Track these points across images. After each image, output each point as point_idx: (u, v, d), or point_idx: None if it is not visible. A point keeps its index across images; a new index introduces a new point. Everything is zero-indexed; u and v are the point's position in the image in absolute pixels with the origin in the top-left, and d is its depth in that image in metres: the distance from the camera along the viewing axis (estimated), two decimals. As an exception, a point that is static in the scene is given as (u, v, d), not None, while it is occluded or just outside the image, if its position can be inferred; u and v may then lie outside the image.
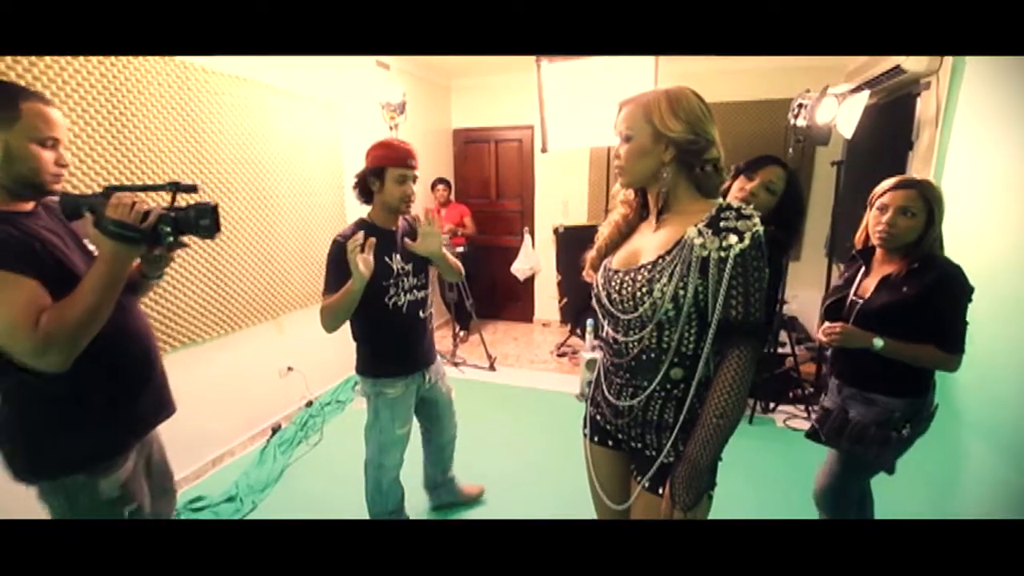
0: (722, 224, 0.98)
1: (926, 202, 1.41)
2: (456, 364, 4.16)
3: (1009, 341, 1.83)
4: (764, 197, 1.65)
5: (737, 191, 1.69)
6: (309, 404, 3.33)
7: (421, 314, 1.92)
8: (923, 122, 2.71)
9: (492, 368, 4.08)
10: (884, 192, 1.48)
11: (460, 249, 4.55)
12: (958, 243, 2.30)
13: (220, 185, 2.63)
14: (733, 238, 0.96)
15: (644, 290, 1.04)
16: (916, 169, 2.75)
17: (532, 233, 5.18)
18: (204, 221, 1.19)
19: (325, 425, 3.15)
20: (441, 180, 4.70)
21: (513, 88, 4.83)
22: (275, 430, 3.02)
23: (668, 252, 1.03)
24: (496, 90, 5.03)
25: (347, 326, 1.90)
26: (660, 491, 1.08)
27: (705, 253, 0.98)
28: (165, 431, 2.46)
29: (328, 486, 2.56)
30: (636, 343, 1.09)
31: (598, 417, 1.25)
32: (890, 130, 3.05)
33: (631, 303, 1.06)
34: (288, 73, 3.08)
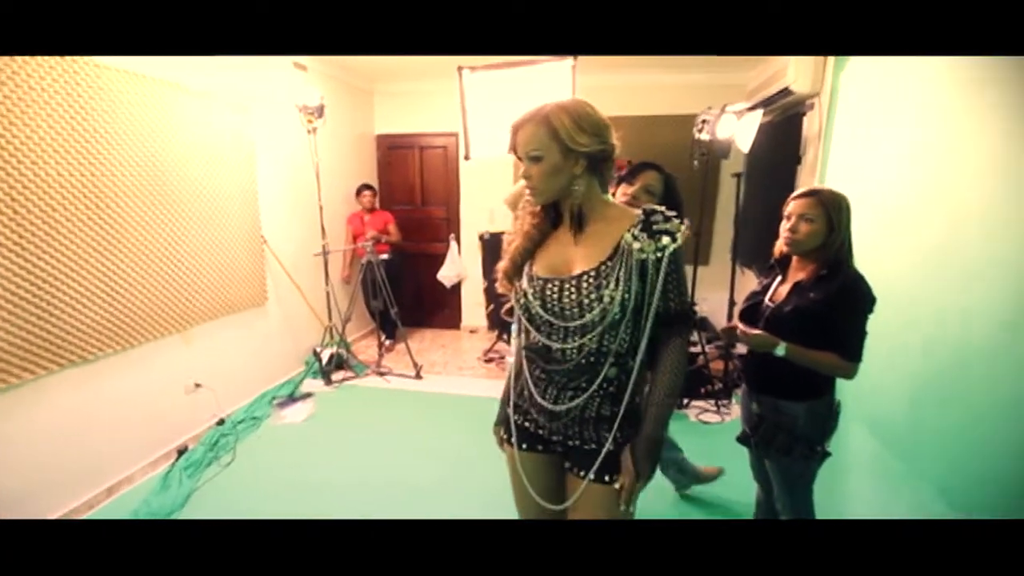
0: (655, 228, 1.08)
1: (824, 209, 1.51)
2: (382, 374, 4.07)
3: (881, 338, 2.07)
4: (645, 199, 1.78)
5: (621, 196, 1.80)
6: (220, 422, 3.13)
7: None
8: (809, 139, 3.00)
9: (418, 376, 4.03)
10: (789, 202, 1.59)
11: (384, 256, 4.46)
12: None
13: (113, 188, 2.43)
14: (666, 239, 1.06)
15: (592, 296, 1.07)
16: (803, 181, 3.04)
17: (458, 240, 5.18)
18: None
19: (239, 444, 2.97)
20: (367, 186, 4.60)
21: (437, 95, 4.82)
22: (181, 452, 2.81)
23: (610, 258, 1.09)
24: (420, 96, 5.00)
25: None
26: (606, 479, 1.15)
27: (644, 256, 1.07)
28: (47, 459, 2.24)
29: (241, 509, 2.41)
30: (576, 349, 1.11)
31: (527, 424, 1.26)
32: (782, 146, 3.35)
33: (576, 310, 1.09)
34: (195, 71, 2.90)
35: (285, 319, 3.86)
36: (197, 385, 3.00)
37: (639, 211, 1.13)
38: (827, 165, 2.71)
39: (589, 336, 1.09)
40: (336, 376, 3.97)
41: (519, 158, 1.13)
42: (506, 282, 1.22)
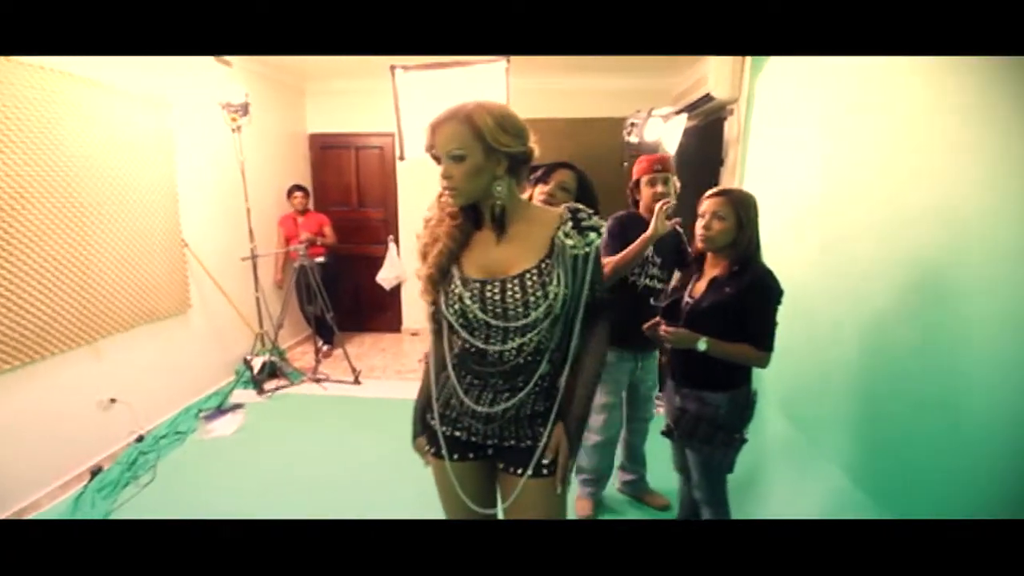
0: (583, 224, 1.12)
1: (734, 207, 1.60)
2: (318, 381, 3.94)
3: (794, 330, 2.21)
4: (561, 196, 1.84)
5: (539, 195, 1.86)
6: (140, 439, 2.93)
7: (652, 300, 2.08)
8: (729, 142, 3.17)
9: (357, 382, 3.93)
10: (703, 201, 1.68)
11: (320, 260, 4.33)
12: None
13: (12, 188, 2.22)
14: (593, 234, 1.11)
15: (539, 294, 1.08)
16: (725, 182, 3.21)
17: (397, 241, 5.10)
18: None
19: (160, 461, 2.79)
20: (298, 187, 4.45)
21: (372, 94, 4.71)
22: (95, 473, 2.61)
23: (548, 256, 1.11)
24: (354, 95, 4.89)
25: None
26: (543, 472, 1.17)
27: (576, 252, 1.11)
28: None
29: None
30: (516, 349, 1.12)
31: (457, 433, 1.23)
32: (706, 149, 3.52)
33: (521, 309, 1.09)
34: (106, 65, 2.70)
35: (211, 327, 3.66)
36: (112, 400, 2.80)
37: (559, 210, 1.15)
38: (746, 167, 2.88)
39: (530, 335, 1.10)
40: (269, 385, 3.81)
41: (435, 158, 1.10)
42: (432, 288, 1.16)
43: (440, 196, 1.16)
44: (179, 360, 3.35)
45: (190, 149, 3.40)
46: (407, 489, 2.55)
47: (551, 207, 1.20)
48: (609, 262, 1.90)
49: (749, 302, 1.56)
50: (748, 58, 2.87)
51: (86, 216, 2.60)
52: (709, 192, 1.68)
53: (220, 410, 3.39)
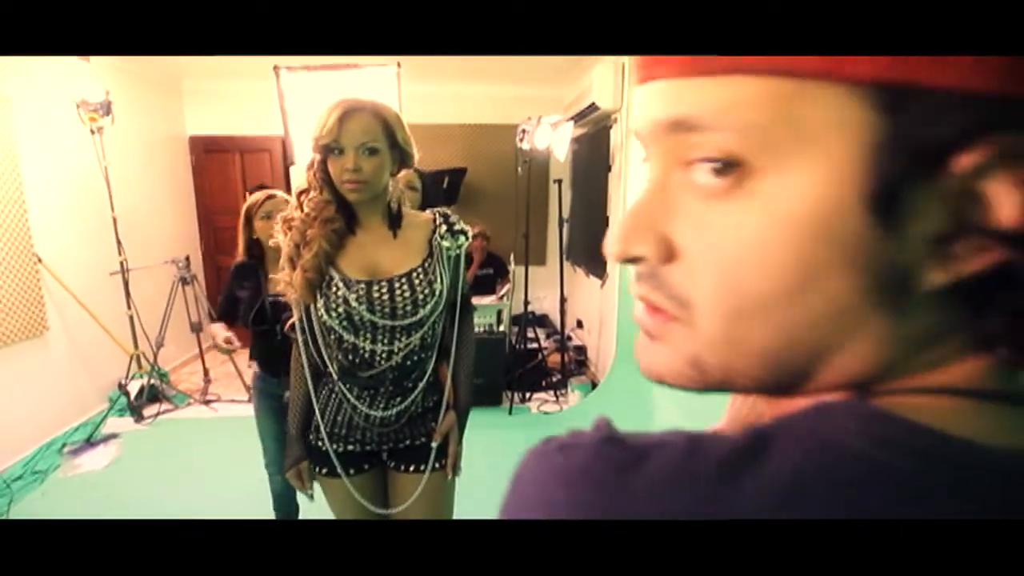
0: (455, 228, 1.20)
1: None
2: (208, 402, 3.66)
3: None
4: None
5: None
6: (-13, 483, 2.57)
7: None
8: (615, 150, 3.37)
9: (251, 400, 3.70)
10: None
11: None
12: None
13: None
14: (462, 237, 1.21)
15: (427, 292, 1.13)
16: (614, 187, 3.40)
17: (293, 250, 4.87)
18: None
19: (14, 506, 2.46)
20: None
21: (257, 95, 4.44)
22: (-74, 528, 2.25)
23: (430, 255, 1.16)
24: (238, 96, 4.58)
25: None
26: (437, 465, 1.24)
27: (451, 253, 1.20)
28: None
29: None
30: (404, 348, 1.14)
31: (350, 447, 1.21)
32: (596, 155, 3.72)
33: (411, 307, 1.12)
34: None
35: (76, 351, 3.28)
36: (-54, 442, 2.43)
37: (428, 214, 1.22)
38: (629, 174, 3.08)
39: (418, 334, 1.14)
40: (150, 411, 3.48)
41: (331, 149, 1.05)
42: (309, 292, 1.11)
43: (301, 195, 1.13)
44: (36, 390, 2.97)
45: (39, 153, 3.02)
46: (313, 508, 2.46)
47: (418, 211, 1.27)
48: None
49: None
50: (627, 69, 3.06)
51: (-97, 231, 2.23)
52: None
53: (89, 443, 3.05)
